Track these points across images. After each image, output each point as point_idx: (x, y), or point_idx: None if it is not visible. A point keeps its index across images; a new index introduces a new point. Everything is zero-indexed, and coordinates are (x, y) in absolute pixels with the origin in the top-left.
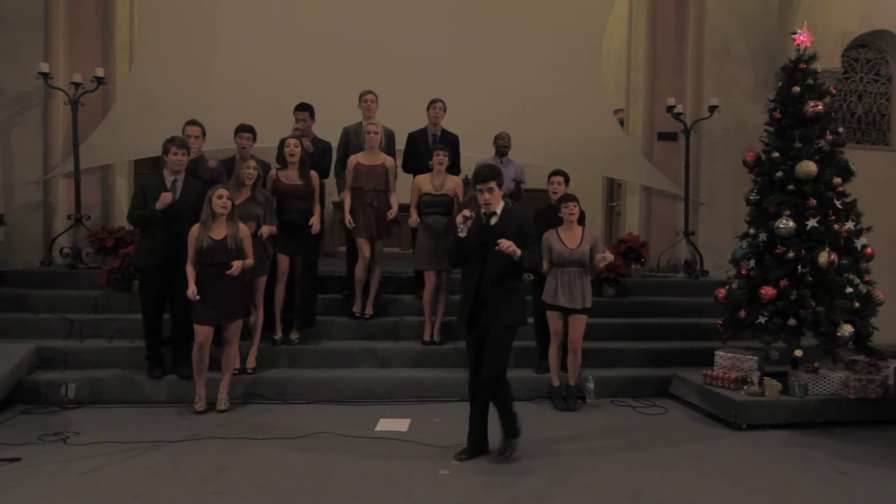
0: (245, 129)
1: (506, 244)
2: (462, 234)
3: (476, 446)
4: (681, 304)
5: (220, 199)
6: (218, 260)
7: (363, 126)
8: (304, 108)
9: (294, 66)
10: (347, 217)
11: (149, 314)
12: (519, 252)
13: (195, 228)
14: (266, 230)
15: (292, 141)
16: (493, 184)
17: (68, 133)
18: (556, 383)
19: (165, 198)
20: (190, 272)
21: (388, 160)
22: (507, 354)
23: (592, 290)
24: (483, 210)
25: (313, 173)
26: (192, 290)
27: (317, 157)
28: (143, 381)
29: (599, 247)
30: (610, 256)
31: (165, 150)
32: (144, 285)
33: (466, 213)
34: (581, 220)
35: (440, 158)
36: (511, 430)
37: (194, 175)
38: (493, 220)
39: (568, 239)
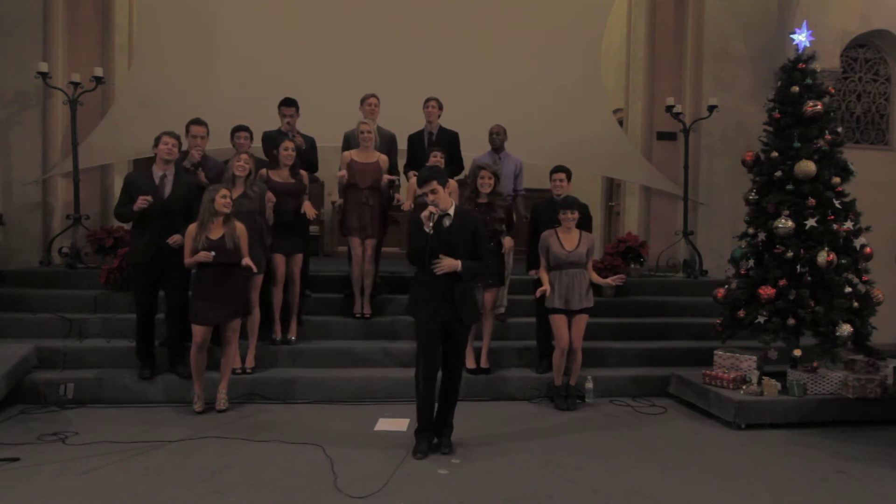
0: (242, 129)
1: (445, 265)
2: (430, 232)
3: (432, 437)
4: (680, 303)
5: (224, 198)
6: (217, 259)
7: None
8: (291, 104)
9: (294, 66)
10: (342, 172)
11: (141, 310)
12: (458, 266)
13: (192, 228)
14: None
15: (290, 144)
16: (434, 184)
17: (67, 133)
18: (558, 382)
19: (141, 202)
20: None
21: (383, 158)
22: None
23: (592, 290)
24: (436, 211)
25: (303, 172)
26: (175, 238)
27: (307, 151)
28: (142, 381)
29: (595, 252)
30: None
31: (156, 142)
32: (136, 281)
33: (433, 209)
34: (587, 226)
35: (437, 160)
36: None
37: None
38: (447, 222)
39: (566, 241)
